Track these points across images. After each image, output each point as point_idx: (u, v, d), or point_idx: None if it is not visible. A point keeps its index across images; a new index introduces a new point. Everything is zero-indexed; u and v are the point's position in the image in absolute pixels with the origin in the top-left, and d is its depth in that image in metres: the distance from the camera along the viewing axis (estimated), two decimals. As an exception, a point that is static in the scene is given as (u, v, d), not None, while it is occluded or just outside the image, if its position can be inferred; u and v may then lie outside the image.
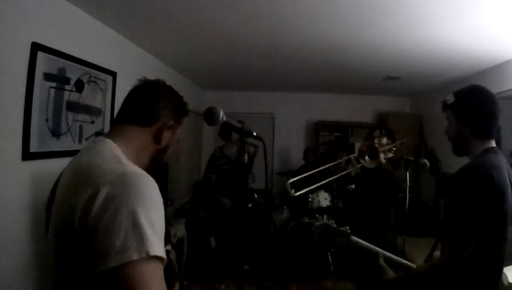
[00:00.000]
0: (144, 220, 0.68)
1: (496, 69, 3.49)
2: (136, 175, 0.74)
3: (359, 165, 2.57)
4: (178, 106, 1.00)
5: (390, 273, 1.29)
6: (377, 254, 1.33)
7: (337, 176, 2.56)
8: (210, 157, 3.88)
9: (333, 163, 2.77)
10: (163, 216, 0.76)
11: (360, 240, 1.35)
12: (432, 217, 4.44)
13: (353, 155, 2.68)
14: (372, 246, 1.36)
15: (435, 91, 4.98)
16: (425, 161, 2.44)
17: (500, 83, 3.28)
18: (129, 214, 0.68)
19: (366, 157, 2.53)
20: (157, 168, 0.99)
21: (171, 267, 2.88)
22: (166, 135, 0.96)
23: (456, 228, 1.11)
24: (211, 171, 3.83)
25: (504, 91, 3.23)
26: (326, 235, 1.35)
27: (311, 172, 2.45)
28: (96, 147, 0.85)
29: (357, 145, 5.70)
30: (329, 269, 3.69)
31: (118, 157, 0.81)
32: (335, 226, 1.35)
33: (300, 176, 2.44)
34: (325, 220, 1.41)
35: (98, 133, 2.58)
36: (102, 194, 0.69)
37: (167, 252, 2.83)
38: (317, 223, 1.41)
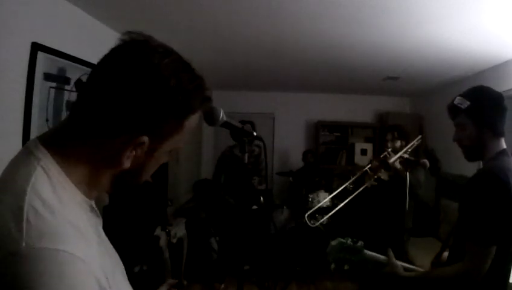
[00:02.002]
0: None
1: (496, 69, 3.49)
2: (34, 258, 0.45)
3: (374, 178, 2.54)
4: (174, 104, 0.58)
5: (403, 272, 1.28)
6: (384, 264, 1.31)
7: (355, 193, 2.50)
8: (220, 157, 3.89)
9: (349, 181, 2.68)
10: None
11: (373, 253, 1.32)
12: (432, 217, 4.44)
13: (368, 167, 2.62)
14: (384, 257, 1.33)
15: (435, 91, 4.97)
16: (425, 161, 2.43)
17: (500, 83, 3.28)
18: None
19: (382, 170, 2.50)
20: (129, 189, 0.66)
21: (162, 261, 2.79)
22: (132, 155, 0.58)
23: (478, 234, 1.11)
24: (220, 171, 3.85)
25: (504, 91, 3.23)
26: (341, 253, 1.31)
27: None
28: (15, 168, 0.55)
29: (358, 146, 5.72)
30: (329, 269, 3.69)
31: (23, 202, 0.48)
32: (350, 243, 1.31)
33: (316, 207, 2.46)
34: (341, 239, 1.37)
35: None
36: None
37: (160, 247, 2.74)
38: (332, 243, 1.34)
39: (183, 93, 0.59)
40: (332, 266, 1.32)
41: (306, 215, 2.53)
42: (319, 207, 4.13)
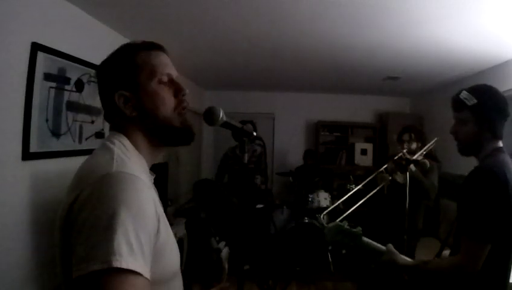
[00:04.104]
0: (118, 226, 0.61)
1: (496, 69, 3.49)
2: (119, 176, 0.69)
3: (389, 179, 2.49)
4: (116, 68, 0.84)
5: (401, 259, 1.27)
6: (381, 253, 1.32)
7: (370, 194, 2.44)
8: (222, 157, 3.92)
9: (364, 182, 2.60)
10: (150, 224, 0.69)
11: (370, 241, 1.32)
12: (432, 217, 4.44)
13: (384, 168, 2.57)
14: (381, 246, 1.33)
15: (435, 91, 4.98)
16: (425, 161, 2.43)
17: (500, 83, 3.28)
18: (103, 217, 0.62)
19: (398, 173, 2.46)
20: (171, 128, 0.86)
21: (220, 261, 2.86)
22: (132, 101, 0.82)
23: (474, 230, 1.12)
24: (223, 171, 3.86)
25: (504, 91, 3.22)
26: (338, 236, 1.31)
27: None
28: (103, 143, 0.82)
29: (358, 146, 5.71)
30: (329, 269, 3.69)
31: (113, 154, 0.76)
32: (347, 227, 1.31)
33: (330, 209, 2.41)
34: (339, 222, 1.37)
35: (98, 133, 2.58)
36: (84, 195, 0.67)
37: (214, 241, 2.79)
38: (330, 225, 1.34)
39: (121, 56, 0.86)
40: (330, 247, 1.32)
41: (322, 215, 2.51)
42: (320, 207, 4.15)
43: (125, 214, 0.63)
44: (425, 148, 2.53)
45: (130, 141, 0.82)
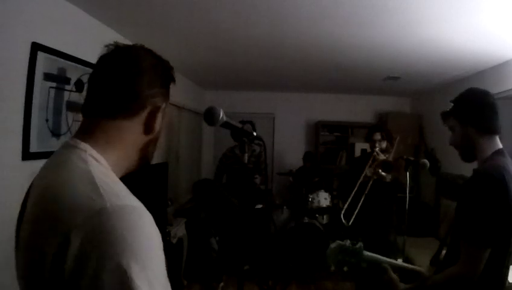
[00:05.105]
0: (137, 281, 0.51)
1: (496, 69, 3.49)
2: (118, 213, 0.55)
3: (375, 177, 2.59)
4: (165, 77, 0.76)
5: (402, 285, 1.27)
6: (386, 268, 1.31)
7: (365, 192, 2.56)
8: (221, 157, 3.92)
9: (356, 187, 2.73)
10: (162, 255, 0.60)
11: (372, 254, 1.33)
12: (432, 217, 4.44)
13: (369, 170, 2.69)
14: (383, 258, 1.33)
15: (435, 91, 4.98)
16: (425, 160, 2.44)
17: (500, 83, 3.28)
18: (116, 277, 0.51)
19: (382, 172, 2.55)
20: (147, 163, 0.78)
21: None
22: (158, 120, 0.74)
23: (473, 235, 1.11)
24: (221, 171, 3.87)
25: (504, 91, 3.23)
26: (339, 255, 1.32)
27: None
28: (68, 158, 0.64)
29: (358, 146, 5.71)
30: (329, 269, 3.69)
31: (93, 177, 0.60)
32: (349, 245, 1.32)
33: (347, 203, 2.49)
34: (340, 241, 1.39)
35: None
36: (75, 245, 0.52)
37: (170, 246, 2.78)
38: (332, 246, 1.35)
39: (167, 68, 0.77)
40: (332, 268, 1.33)
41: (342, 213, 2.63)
42: (320, 207, 4.15)
43: (143, 258, 0.54)
44: (394, 147, 2.66)
45: (104, 156, 0.67)
